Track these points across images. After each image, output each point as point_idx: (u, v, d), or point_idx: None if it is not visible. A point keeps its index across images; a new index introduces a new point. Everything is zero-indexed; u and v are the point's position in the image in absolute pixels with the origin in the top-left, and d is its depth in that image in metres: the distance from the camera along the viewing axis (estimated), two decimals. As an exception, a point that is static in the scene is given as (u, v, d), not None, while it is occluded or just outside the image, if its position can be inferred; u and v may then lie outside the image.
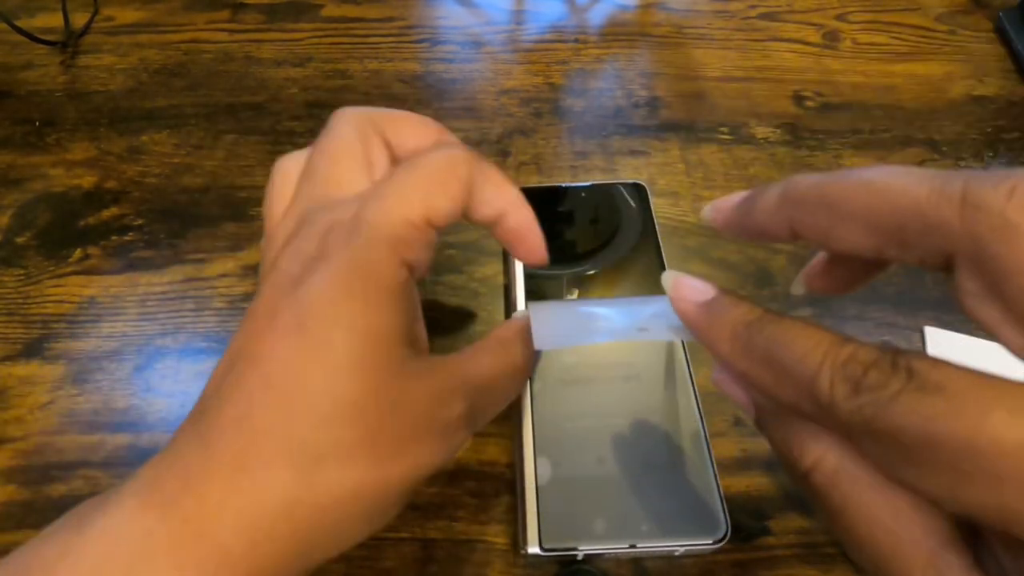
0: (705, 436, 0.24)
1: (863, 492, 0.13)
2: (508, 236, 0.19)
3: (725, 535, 0.22)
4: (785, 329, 0.14)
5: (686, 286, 0.17)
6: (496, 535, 0.24)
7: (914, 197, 0.14)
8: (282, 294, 0.16)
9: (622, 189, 0.32)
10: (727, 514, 0.22)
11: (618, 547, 0.22)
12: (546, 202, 0.31)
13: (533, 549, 0.21)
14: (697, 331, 0.17)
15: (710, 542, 0.22)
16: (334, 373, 0.15)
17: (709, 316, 0.16)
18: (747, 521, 0.24)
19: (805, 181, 0.16)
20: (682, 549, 0.22)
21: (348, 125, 0.19)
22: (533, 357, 0.20)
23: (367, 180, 0.18)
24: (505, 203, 0.19)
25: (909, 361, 0.12)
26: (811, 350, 0.13)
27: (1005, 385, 0.11)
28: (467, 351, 0.19)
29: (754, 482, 0.25)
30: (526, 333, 0.20)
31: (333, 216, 0.17)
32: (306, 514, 0.14)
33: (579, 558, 0.22)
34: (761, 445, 0.26)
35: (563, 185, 0.32)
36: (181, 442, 0.15)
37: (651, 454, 0.24)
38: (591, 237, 0.30)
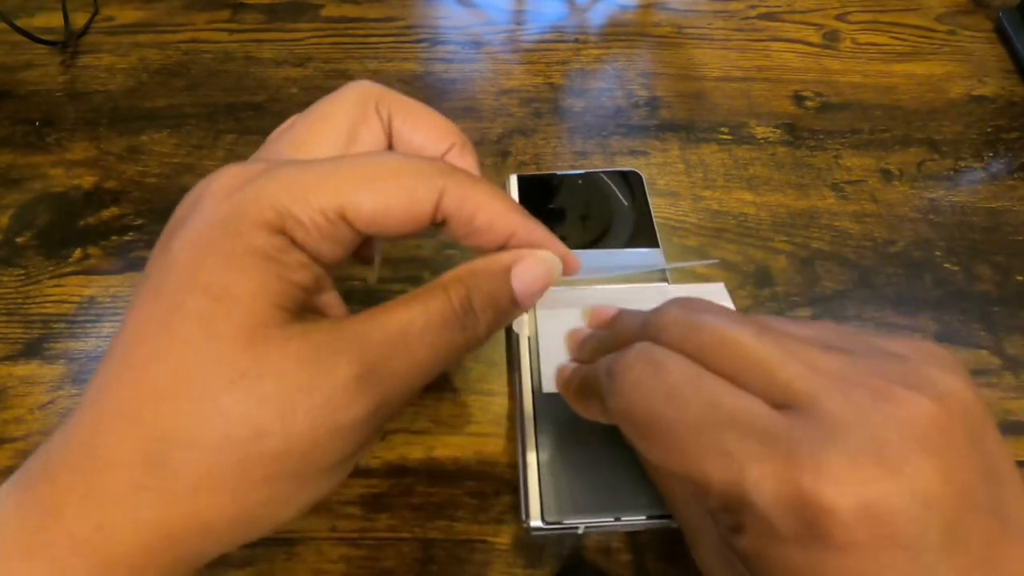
0: None
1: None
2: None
3: None
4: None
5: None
6: (496, 535, 0.24)
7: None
8: (158, 251, 0.15)
9: (617, 177, 0.33)
10: None
11: (615, 520, 0.22)
12: (541, 190, 0.32)
13: (536, 523, 0.22)
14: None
15: None
16: (183, 344, 0.13)
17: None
18: (747, 521, 0.24)
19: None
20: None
21: (351, 93, 0.19)
22: (489, 320, 0.17)
23: (337, 152, 0.17)
24: (510, 228, 0.17)
25: None
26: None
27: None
28: (382, 305, 0.15)
29: (754, 482, 0.25)
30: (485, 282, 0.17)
31: (244, 171, 0.15)
32: (154, 502, 0.13)
33: (579, 532, 0.23)
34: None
35: (558, 173, 0.33)
36: (56, 431, 0.14)
37: None
38: (587, 225, 0.31)
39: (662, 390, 0.16)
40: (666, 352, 0.17)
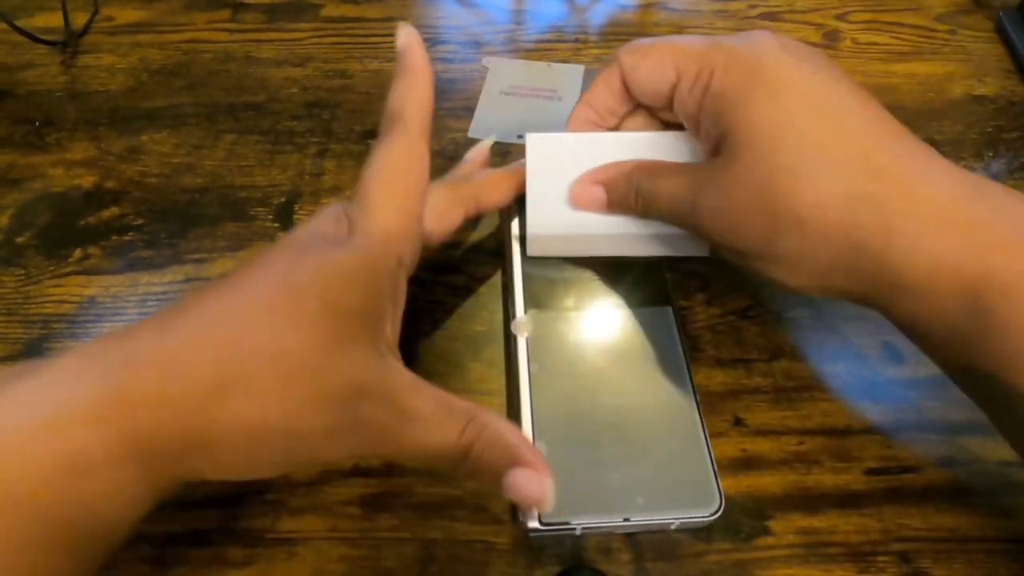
0: (699, 411, 0.25)
1: None
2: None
3: (719, 508, 0.22)
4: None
5: (585, 200, 0.27)
6: (496, 535, 0.24)
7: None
8: (285, 259, 0.19)
9: None
10: (721, 488, 0.23)
11: (614, 521, 0.22)
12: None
13: (532, 523, 0.22)
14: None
15: (705, 515, 0.22)
16: (288, 326, 0.18)
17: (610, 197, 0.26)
18: (747, 521, 0.24)
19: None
20: (678, 523, 0.23)
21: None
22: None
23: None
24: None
25: None
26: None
27: None
28: (421, 388, 0.19)
29: (754, 482, 0.25)
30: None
31: (348, 210, 0.21)
32: (200, 429, 0.17)
33: (577, 532, 0.23)
34: (761, 445, 0.26)
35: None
36: (142, 324, 0.18)
37: (646, 431, 0.24)
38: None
39: None
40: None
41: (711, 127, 0.23)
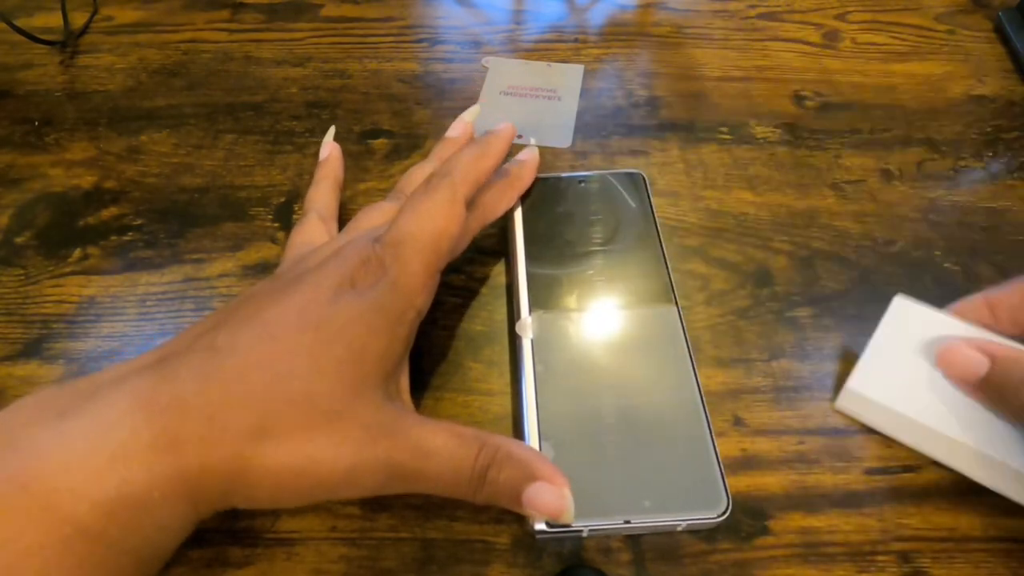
0: (705, 412, 0.24)
1: None
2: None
3: (726, 510, 0.22)
4: None
5: (959, 362, 0.24)
6: (496, 535, 0.24)
7: None
8: (315, 302, 0.21)
9: (621, 179, 0.32)
10: (728, 489, 0.23)
11: (620, 523, 0.22)
12: (545, 193, 0.32)
13: (540, 526, 0.22)
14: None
15: (712, 516, 0.22)
16: (315, 372, 0.19)
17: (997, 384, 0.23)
18: (747, 521, 0.24)
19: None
20: (684, 524, 0.22)
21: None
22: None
23: None
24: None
25: None
26: None
27: None
28: (429, 422, 0.20)
29: (754, 482, 0.25)
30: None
31: (371, 251, 0.22)
32: (241, 471, 0.18)
33: (584, 535, 0.23)
34: (761, 445, 0.26)
35: (562, 176, 0.32)
36: (184, 366, 0.19)
37: (652, 432, 0.24)
38: (591, 230, 0.30)
39: None
40: None
41: None
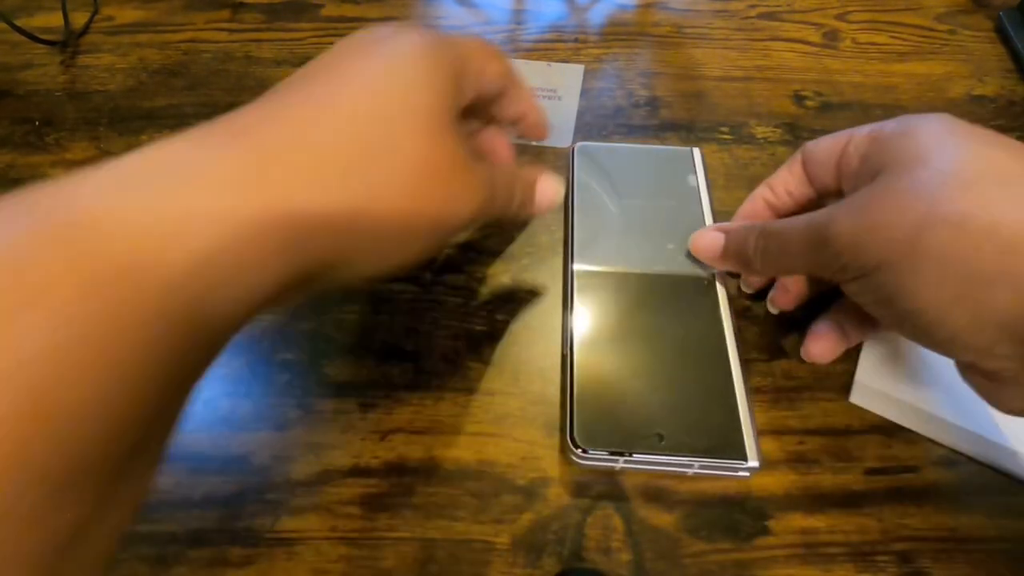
0: (742, 371, 0.26)
1: None
2: (528, 131, 0.26)
3: (758, 464, 0.24)
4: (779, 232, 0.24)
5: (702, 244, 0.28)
6: (496, 535, 0.24)
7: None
8: (372, 39, 0.21)
9: (674, 155, 0.34)
10: (759, 448, 0.24)
11: (656, 457, 0.24)
12: (600, 161, 0.34)
13: (580, 450, 0.24)
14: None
15: (744, 466, 0.24)
16: (401, 112, 0.19)
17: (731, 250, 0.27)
18: (747, 521, 0.24)
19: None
20: (716, 472, 0.24)
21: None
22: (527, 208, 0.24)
23: None
24: (527, 107, 0.25)
25: None
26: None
27: None
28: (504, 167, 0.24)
29: (754, 482, 0.25)
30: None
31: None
32: (334, 213, 0.17)
33: (617, 467, 0.24)
34: (761, 445, 0.26)
35: (620, 145, 0.35)
36: (247, 110, 0.19)
37: (687, 381, 0.26)
38: (643, 199, 0.32)
39: None
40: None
41: (873, 164, 0.23)
